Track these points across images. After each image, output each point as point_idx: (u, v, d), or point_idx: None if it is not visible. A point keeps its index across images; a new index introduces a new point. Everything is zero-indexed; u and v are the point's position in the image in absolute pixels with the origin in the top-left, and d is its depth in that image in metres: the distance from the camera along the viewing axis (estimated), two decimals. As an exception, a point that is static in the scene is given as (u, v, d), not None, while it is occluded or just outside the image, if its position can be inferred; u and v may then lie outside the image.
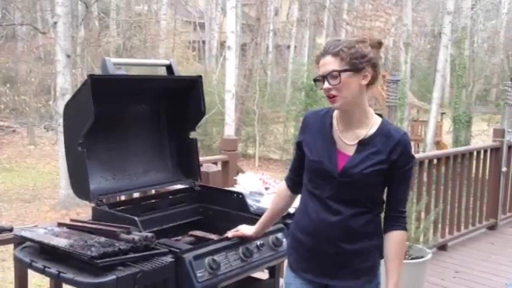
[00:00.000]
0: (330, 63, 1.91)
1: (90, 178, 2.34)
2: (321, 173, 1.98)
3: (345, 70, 1.89)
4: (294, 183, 2.16)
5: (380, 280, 2.07)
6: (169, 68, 2.67)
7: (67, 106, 2.40)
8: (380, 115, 2.02)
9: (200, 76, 2.71)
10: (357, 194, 1.96)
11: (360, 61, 1.90)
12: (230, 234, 2.29)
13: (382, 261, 2.04)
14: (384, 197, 2.03)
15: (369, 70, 1.91)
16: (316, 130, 2.04)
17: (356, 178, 1.92)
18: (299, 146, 2.09)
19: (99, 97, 2.21)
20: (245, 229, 2.30)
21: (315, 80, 1.97)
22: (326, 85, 1.91)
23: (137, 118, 2.73)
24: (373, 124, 1.97)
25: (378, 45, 1.95)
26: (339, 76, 1.89)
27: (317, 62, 1.96)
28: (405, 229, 2.00)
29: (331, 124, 2.02)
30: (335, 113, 2.02)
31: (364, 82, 1.92)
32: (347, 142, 1.97)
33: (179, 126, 2.80)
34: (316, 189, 2.00)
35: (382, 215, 2.05)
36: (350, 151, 1.96)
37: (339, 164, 1.95)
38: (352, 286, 2.01)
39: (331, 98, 1.92)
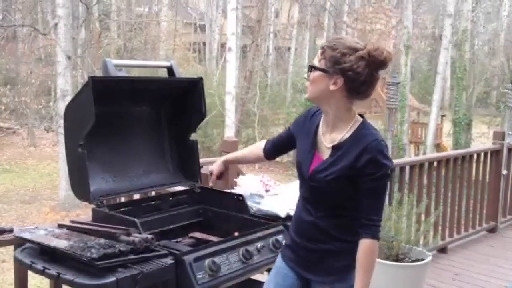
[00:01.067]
0: (316, 57, 1.97)
1: (91, 180, 2.33)
2: (300, 174, 2.06)
3: (317, 68, 1.93)
4: (268, 151, 2.38)
5: None
6: (169, 69, 2.67)
7: (68, 108, 2.39)
8: (362, 116, 1.99)
9: (201, 78, 2.71)
10: (326, 198, 1.98)
11: (332, 66, 1.89)
12: (211, 183, 2.61)
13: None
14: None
15: (341, 79, 1.87)
16: (307, 128, 2.09)
17: (322, 184, 1.95)
18: (290, 129, 2.21)
19: (100, 99, 2.21)
20: (215, 170, 2.58)
21: None
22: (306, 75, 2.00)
23: (137, 119, 2.72)
24: (351, 128, 1.95)
25: (380, 64, 1.86)
26: (311, 71, 1.95)
27: None
28: (375, 237, 1.91)
29: (317, 125, 2.05)
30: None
31: (333, 87, 1.89)
32: (326, 144, 2.00)
33: (180, 128, 2.79)
34: (300, 187, 2.10)
35: None
36: (326, 154, 1.99)
37: (311, 167, 2.00)
38: (322, 282, 2.04)
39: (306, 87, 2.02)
